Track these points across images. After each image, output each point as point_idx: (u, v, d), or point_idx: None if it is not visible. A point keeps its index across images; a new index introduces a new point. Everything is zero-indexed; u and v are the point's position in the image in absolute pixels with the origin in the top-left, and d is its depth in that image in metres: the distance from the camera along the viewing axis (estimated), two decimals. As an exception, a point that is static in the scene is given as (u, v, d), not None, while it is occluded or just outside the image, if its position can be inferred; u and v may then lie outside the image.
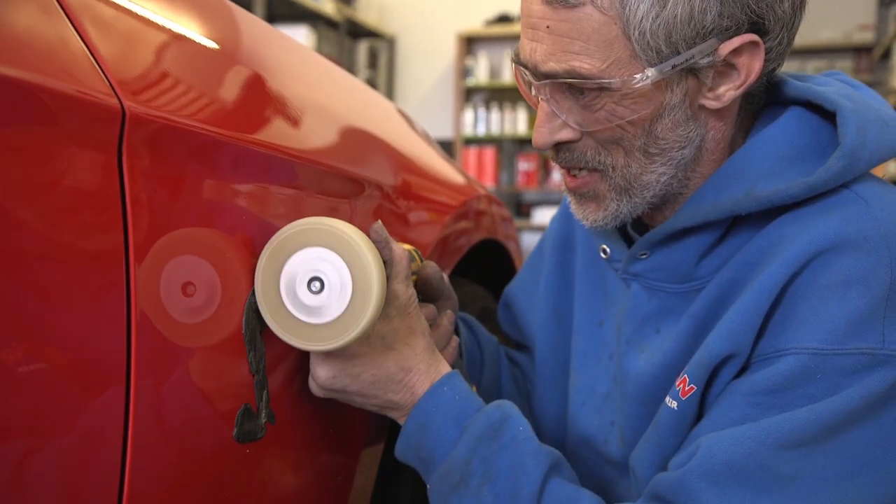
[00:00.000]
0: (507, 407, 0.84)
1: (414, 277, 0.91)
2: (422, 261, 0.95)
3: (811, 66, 5.84)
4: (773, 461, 0.71)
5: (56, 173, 0.54)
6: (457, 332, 1.05)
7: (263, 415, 0.73)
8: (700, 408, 0.81)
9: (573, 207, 0.89)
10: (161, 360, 0.62)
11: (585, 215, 0.87)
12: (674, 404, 0.82)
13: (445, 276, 0.99)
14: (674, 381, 0.84)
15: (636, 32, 0.74)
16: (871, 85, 5.69)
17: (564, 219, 1.10)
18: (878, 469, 0.72)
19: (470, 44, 6.64)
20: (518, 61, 0.83)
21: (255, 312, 0.72)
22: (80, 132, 0.56)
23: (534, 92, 0.84)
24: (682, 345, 0.85)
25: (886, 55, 5.42)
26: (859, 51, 5.94)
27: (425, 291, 0.96)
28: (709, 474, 0.73)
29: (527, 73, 0.82)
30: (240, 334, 0.71)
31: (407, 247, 0.91)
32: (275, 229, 0.74)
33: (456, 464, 0.80)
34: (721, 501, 0.72)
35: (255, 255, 0.73)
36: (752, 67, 0.78)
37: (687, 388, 0.80)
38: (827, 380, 0.72)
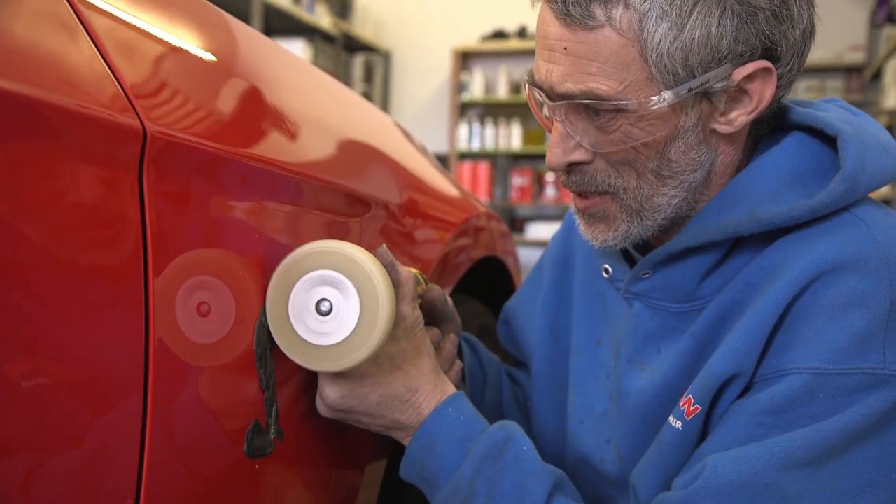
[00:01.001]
0: (511, 427, 0.84)
1: (419, 301, 0.91)
2: (426, 284, 0.96)
3: (803, 86, 5.89)
4: (778, 481, 0.72)
5: (78, 192, 0.55)
6: (460, 354, 1.06)
7: (273, 430, 0.74)
8: (704, 427, 0.82)
9: (582, 228, 0.90)
10: (177, 377, 0.63)
11: (595, 236, 0.88)
12: (678, 424, 0.82)
13: (450, 300, 1.00)
14: (674, 399, 0.85)
15: (654, 55, 0.75)
16: (861, 105, 5.75)
17: (565, 238, 1.11)
18: (881, 488, 0.73)
19: (465, 59, 6.68)
20: (533, 83, 0.84)
21: (265, 330, 0.73)
22: (103, 152, 0.57)
23: (547, 113, 0.85)
24: (682, 364, 0.85)
25: (877, 76, 5.47)
26: (850, 71, 6.00)
27: (430, 314, 0.97)
28: (714, 494, 0.73)
29: (541, 94, 0.83)
30: (251, 351, 0.72)
31: (412, 270, 0.92)
32: (289, 248, 0.75)
33: (460, 484, 0.80)
34: None
35: (268, 274, 0.74)
36: (764, 94, 0.79)
37: (692, 409, 0.81)
38: (829, 399, 0.73)
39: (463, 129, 6.56)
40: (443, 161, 6.50)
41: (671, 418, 0.83)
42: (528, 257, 6.26)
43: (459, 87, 6.53)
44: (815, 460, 0.72)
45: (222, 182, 0.68)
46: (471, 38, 6.62)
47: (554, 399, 1.07)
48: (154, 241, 0.60)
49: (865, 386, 0.72)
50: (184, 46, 0.72)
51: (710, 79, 0.76)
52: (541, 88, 0.82)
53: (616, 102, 0.77)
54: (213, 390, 0.67)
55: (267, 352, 0.73)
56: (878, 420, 0.72)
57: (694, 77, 0.76)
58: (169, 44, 0.70)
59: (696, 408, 0.80)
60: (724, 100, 0.79)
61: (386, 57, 6.79)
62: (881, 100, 4.98)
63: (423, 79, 6.86)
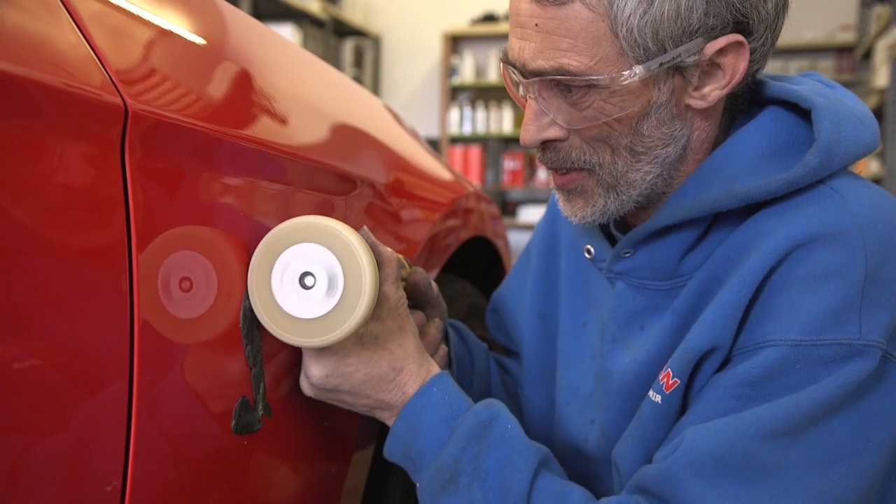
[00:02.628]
0: (495, 406, 0.84)
1: (403, 284, 0.92)
2: (410, 267, 0.96)
3: (794, 66, 5.89)
4: (756, 451, 0.73)
5: (59, 170, 0.55)
6: (447, 340, 1.06)
7: (260, 407, 0.74)
8: (683, 402, 0.82)
9: (561, 204, 0.90)
10: (163, 354, 0.63)
11: (574, 212, 0.88)
12: (657, 398, 0.83)
13: (435, 285, 1.00)
14: (657, 376, 0.86)
15: (623, 30, 0.75)
16: (852, 84, 5.75)
17: (550, 222, 1.11)
18: (858, 457, 0.74)
19: (455, 43, 6.66)
20: (507, 61, 0.84)
21: (251, 307, 0.74)
22: (84, 129, 0.57)
23: (521, 91, 0.85)
24: (665, 341, 0.86)
25: (868, 55, 5.47)
26: (841, 51, 6.00)
27: (414, 298, 0.97)
28: (693, 465, 0.74)
29: (515, 72, 0.83)
30: (237, 328, 0.72)
31: (396, 254, 0.92)
32: (272, 226, 0.75)
33: (445, 463, 0.80)
34: (705, 492, 0.73)
35: (253, 251, 0.74)
36: (737, 68, 0.79)
37: (671, 382, 0.81)
38: (806, 370, 0.73)
39: (454, 114, 6.55)
40: (434, 146, 6.50)
41: (651, 392, 0.84)
42: (520, 241, 6.27)
43: (450, 71, 6.51)
44: (792, 430, 0.73)
45: (205, 160, 0.69)
46: (461, 22, 6.60)
47: (544, 383, 1.08)
48: (137, 219, 0.60)
49: (842, 356, 0.73)
50: (167, 25, 0.72)
51: (681, 53, 0.76)
52: (514, 66, 0.82)
53: (587, 77, 0.77)
54: (199, 368, 0.67)
55: (254, 328, 0.74)
56: (854, 390, 0.73)
57: (665, 51, 0.76)
58: (152, 23, 0.70)
59: (675, 381, 0.81)
60: (696, 74, 0.79)
61: (376, 41, 6.76)
62: (872, 79, 4.98)
63: (413, 63, 6.84)
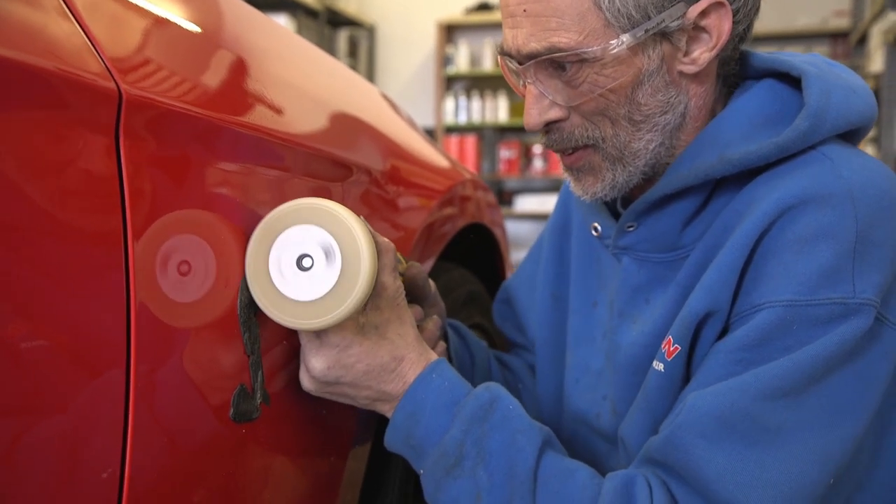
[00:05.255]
0: (495, 388, 0.85)
1: (400, 278, 0.91)
2: (406, 262, 0.96)
3: (789, 53, 5.87)
4: (758, 411, 0.74)
5: (53, 156, 0.55)
6: (445, 338, 1.07)
7: (259, 395, 0.74)
8: (687, 370, 0.83)
9: (573, 185, 0.93)
10: (160, 341, 0.63)
11: (585, 189, 0.91)
12: (660, 367, 0.84)
13: (432, 283, 1.01)
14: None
15: (606, 1, 0.79)
16: (847, 70, 5.72)
17: (562, 206, 1.14)
18: (859, 413, 0.76)
19: (450, 32, 6.63)
20: (503, 52, 0.88)
21: (249, 294, 0.73)
22: (78, 114, 0.56)
23: (520, 80, 0.88)
24: (669, 312, 0.87)
25: (862, 41, 5.46)
26: (836, 36, 5.99)
27: (411, 292, 0.97)
28: (696, 428, 0.75)
29: (512, 61, 0.87)
30: (235, 316, 0.72)
31: (392, 245, 0.91)
32: (268, 211, 0.75)
33: (449, 447, 0.80)
34: (710, 454, 0.74)
35: (248, 236, 0.74)
36: (722, 29, 0.82)
37: (672, 349, 0.83)
38: (803, 331, 0.75)
39: (449, 103, 6.53)
40: (430, 135, 6.46)
41: (654, 362, 0.86)
42: (516, 230, 6.27)
43: (445, 61, 6.49)
44: (793, 390, 0.74)
45: (201, 146, 0.68)
46: (455, 11, 6.57)
47: (555, 364, 1.09)
48: (132, 205, 0.60)
49: (837, 316, 0.75)
50: (162, 12, 0.71)
51: (664, 18, 0.80)
52: (511, 56, 0.86)
53: (578, 51, 0.80)
54: (197, 355, 0.67)
55: (251, 316, 0.73)
56: (851, 348, 0.75)
57: (649, 18, 0.80)
58: (146, 9, 0.69)
59: (676, 347, 0.83)
60: (683, 39, 0.83)
61: (370, 31, 6.74)
62: (867, 64, 4.98)
63: (408, 53, 6.81)
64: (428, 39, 6.69)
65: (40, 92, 0.54)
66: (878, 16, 4.75)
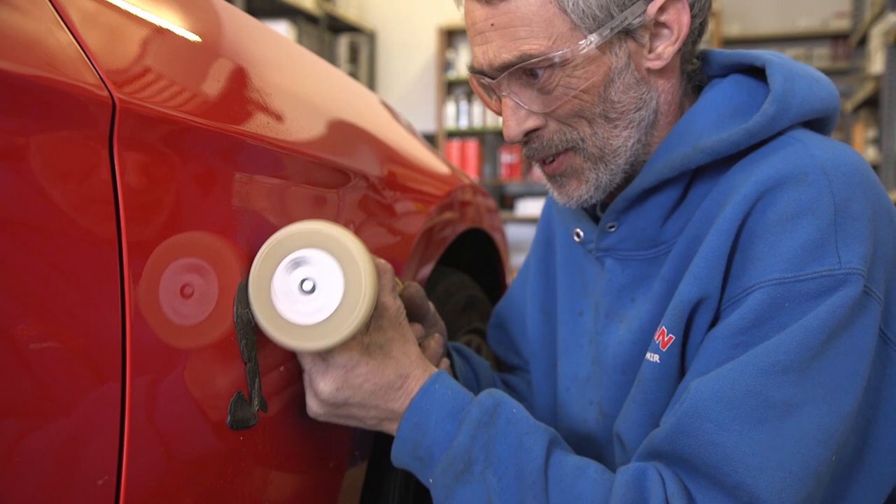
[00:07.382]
0: (498, 394, 0.85)
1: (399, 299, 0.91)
2: (402, 283, 0.97)
3: (789, 54, 5.85)
4: (760, 387, 0.74)
5: (47, 165, 0.55)
6: (449, 357, 1.07)
7: (256, 402, 0.74)
8: (682, 360, 0.84)
9: (556, 194, 0.94)
10: (155, 350, 0.63)
11: (569, 195, 0.92)
12: (655, 358, 0.85)
13: (432, 305, 1.02)
14: (652, 341, 0.87)
15: (570, 4, 0.82)
16: (848, 72, 5.74)
17: (545, 223, 1.16)
18: (855, 387, 0.76)
19: (450, 37, 6.64)
20: (474, 70, 0.90)
21: (246, 302, 0.73)
22: (72, 124, 0.56)
23: (493, 96, 0.91)
24: (657, 308, 0.89)
25: (863, 42, 5.46)
26: (836, 38, 5.99)
27: (410, 311, 0.97)
28: (702, 412, 0.75)
29: (484, 78, 0.89)
30: (232, 324, 0.72)
31: (390, 266, 0.91)
32: (263, 219, 0.75)
33: (457, 454, 0.81)
34: (720, 437, 0.74)
35: (244, 244, 0.74)
36: (681, 22, 0.87)
37: (666, 339, 0.84)
38: (795, 307, 0.76)
39: (450, 108, 6.54)
40: (431, 140, 6.49)
41: (648, 354, 0.86)
42: (518, 234, 6.27)
43: (445, 66, 6.50)
44: (793, 365, 0.74)
45: (196, 154, 0.68)
46: (455, 16, 6.57)
47: (548, 376, 1.10)
48: (126, 213, 0.60)
49: (827, 288, 0.76)
50: (159, 21, 0.71)
51: (627, 16, 0.84)
52: (483, 73, 0.88)
53: (549, 56, 0.83)
54: (193, 363, 0.67)
55: (248, 323, 0.73)
56: (845, 318, 0.76)
57: (612, 17, 0.83)
58: (143, 18, 0.69)
59: (671, 337, 0.83)
60: (646, 36, 0.87)
61: (371, 37, 6.75)
62: (867, 66, 4.98)
63: (408, 58, 6.82)
64: (428, 44, 6.70)
65: (35, 102, 0.54)
66: (878, 17, 4.75)
